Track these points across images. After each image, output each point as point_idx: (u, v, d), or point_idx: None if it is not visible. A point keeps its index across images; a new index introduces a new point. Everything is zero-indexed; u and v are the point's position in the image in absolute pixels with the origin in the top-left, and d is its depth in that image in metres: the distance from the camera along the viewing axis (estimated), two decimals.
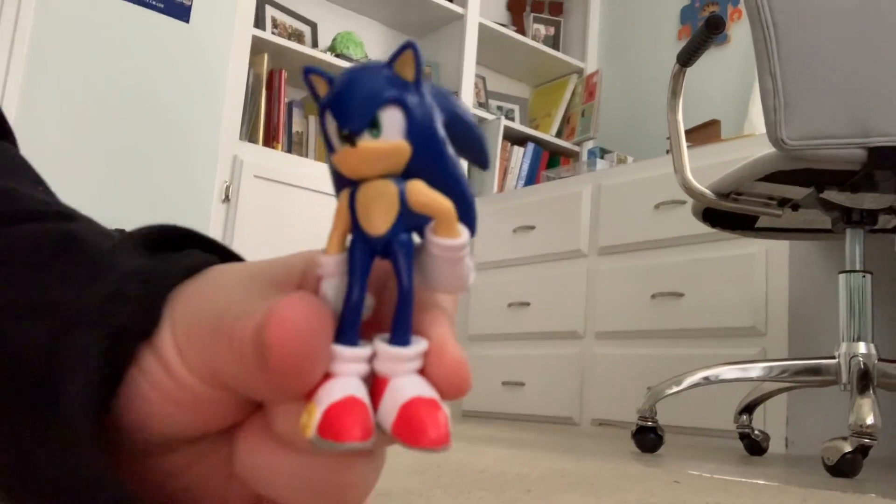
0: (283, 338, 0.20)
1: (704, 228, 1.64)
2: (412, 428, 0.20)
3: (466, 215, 0.22)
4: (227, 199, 2.38)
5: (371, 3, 3.00)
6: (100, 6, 2.21)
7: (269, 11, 2.74)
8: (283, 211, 2.44)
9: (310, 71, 0.22)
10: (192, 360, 0.22)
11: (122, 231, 0.27)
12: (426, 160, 0.21)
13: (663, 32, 3.15)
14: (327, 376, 0.21)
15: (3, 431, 0.22)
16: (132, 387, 0.23)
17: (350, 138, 0.21)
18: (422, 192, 0.21)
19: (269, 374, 0.20)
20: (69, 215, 0.27)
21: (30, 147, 0.39)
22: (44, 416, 0.22)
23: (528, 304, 2.47)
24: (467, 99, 2.97)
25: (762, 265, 1.92)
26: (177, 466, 0.24)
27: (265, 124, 2.56)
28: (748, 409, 1.63)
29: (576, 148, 3.25)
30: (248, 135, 2.52)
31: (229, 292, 0.23)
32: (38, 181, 0.32)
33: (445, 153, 0.22)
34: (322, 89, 0.22)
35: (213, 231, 2.33)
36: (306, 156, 2.64)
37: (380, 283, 0.23)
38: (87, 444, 0.21)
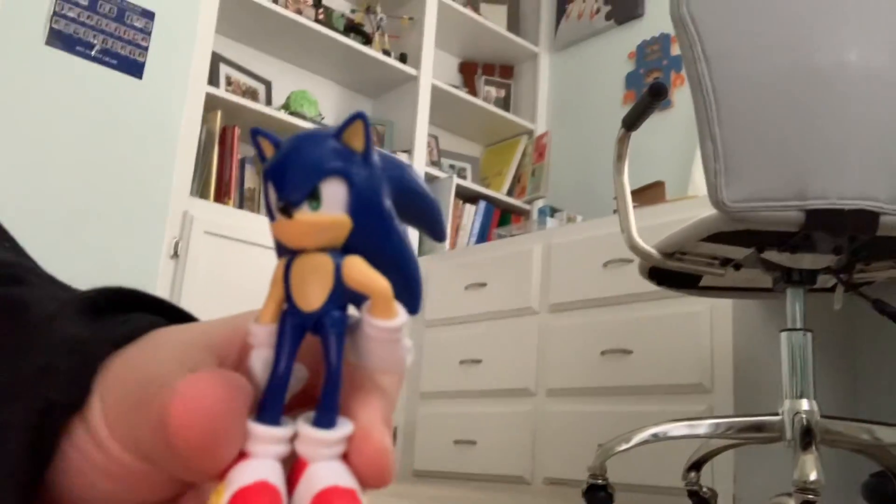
0: (185, 418, 0.19)
1: (652, 287, 1.67)
2: None
3: (409, 292, 0.22)
4: (175, 254, 2.35)
5: (326, 64, 3.05)
6: (52, 62, 2.20)
7: (224, 69, 2.76)
8: (234, 267, 2.41)
9: (257, 132, 0.22)
10: (121, 433, 0.22)
11: (76, 292, 0.27)
12: (369, 234, 0.21)
13: (609, 97, 3.25)
14: (243, 455, 0.20)
15: None
16: (66, 460, 0.22)
17: (287, 210, 0.20)
18: (358, 270, 0.21)
19: (175, 452, 0.20)
20: (19, 278, 0.27)
21: None
22: None
23: (479, 360, 2.47)
24: (420, 157, 3.01)
25: (707, 322, 1.96)
26: None
27: (217, 180, 2.55)
28: (696, 465, 1.65)
29: (527, 206, 3.30)
30: (200, 190, 2.51)
31: (160, 361, 0.22)
32: (2, 237, 0.31)
33: (390, 228, 0.21)
34: (269, 151, 0.22)
35: (161, 287, 2.29)
36: (258, 212, 2.63)
37: (318, 356, 0.23)
38: None
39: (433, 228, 0.24)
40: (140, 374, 0.22)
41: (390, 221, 0.21)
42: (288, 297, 0.21)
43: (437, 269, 2.71)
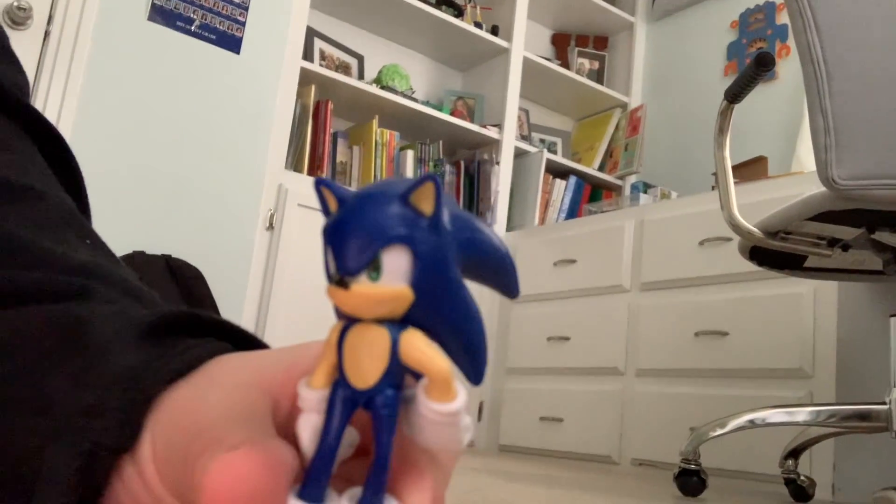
0: (221, 499, 0.18)
1: (750, 266, 1.61)
2: None
3: (473, 362, 0.20)
4: (270, 226, 2.40)
5: (417, 37, 3.04)
6: (154, 37, 2.27)
7: (318, 44, 2.79)
8: None
9: (321, 183, 0.20)
10: (168, 479, 0.22)
11: (139, 310, 0.27)
12: (432, 305, 0.19)
13: (709, 68, 3.13)
14: None
15: None
16: (114, 497, 0.22)
17: (343, 282, 0.19)
18: (416, 349, 0.19)
19: None
20: (87, 291, 0.27)
21: (82, 171, 0.39)
22: None
23: (568, 338, 2.45)
24: (510, 132, 2.98)
25: (810, 305, 1.88)
26: None
27: (310, 154, 2.60)
28: (794, 453, 1.59)
29: (618, 182, 3.24)
30: (294, 164, 2.56)
31: (211, 406, 0.21)
32: (85, 235, 0.32)
33: (456, 297, 0.20)
34: (332, 204, 0.20)
35: (257, 258, 2.36)
36: (350, 185, 2.66)
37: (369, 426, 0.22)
38: None
39: (506, 287, 0.22)
40: (189, 422, 0.21)
41: (457, 290, 0.20)
42: (340, 368, 0.20)
43: (525, 244, 2.69)
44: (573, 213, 3.08)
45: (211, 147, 2.34)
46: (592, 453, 2.29)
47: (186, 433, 0.21)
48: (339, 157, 2.71)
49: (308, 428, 0.20)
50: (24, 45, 2.10)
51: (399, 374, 0.19)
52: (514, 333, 2.63)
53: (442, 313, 0.19)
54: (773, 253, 1.51)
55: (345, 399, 0.20)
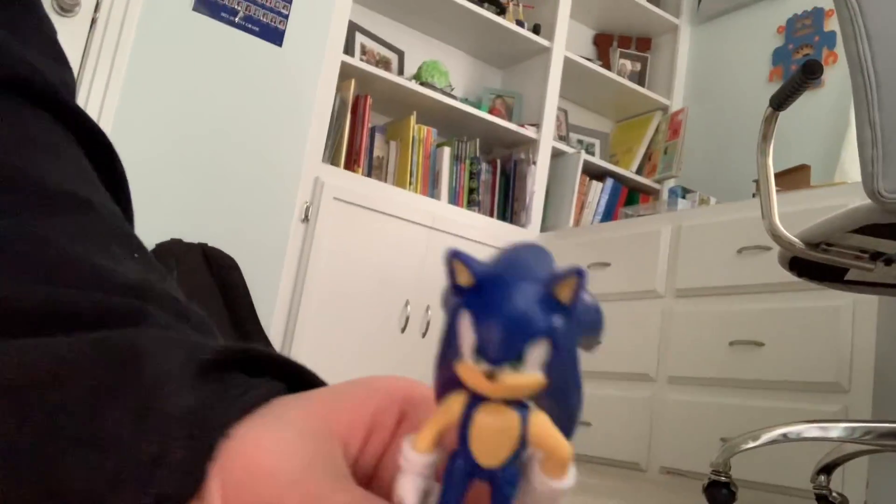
0: None
1: (789, 277, 1.58)
2: None
3: (569, 422, 0.21)
4: (306, 219, 2.42)
5: (458, 34, 3.04)
6: (199, 27, 2.29)
7: (359, 38, 2.80)
8: (359, 233, 2.46)
9: (455, 255, 0.20)
10: None
11: (194, 338, 0.26)
12: (556, 387, 0.20)
13: (754, 73, 3.08)
14: None
15: None
16: None
17: (492, 374, 0.19)
18: (545, 432, 0.20)
19: None
20: (138, 314, 0.26)
21: (123, 160, 0.39)
22: None
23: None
24: (548, 132, 2.96)
25: (849, 319, 1.84)
26: None
27: (347, 148, 2.61)
28: (827, 469, 1.56)
29: (656, 185, 3.20)
30: (331, 157, 2.57)
31: (290, 457, 0.22)
32: (134, 248, 0.31)
33: (575, 376, 0.21)
34: (463, 277, 0.20)
35: (291, 250, 2.37)
36: (385, 181, 2.67)
37: (475, 499, 0.22)
38: None
39: (592, 346, 0.22)
40: (269, 468, 0.21)
41: (577, 372, 0.21)
42: (463, 442, 0.20)
43: (559, 245, 2.67)
44: (609, 215, 3.05)
45: (250, 138, 2.36)
46: (620, 459, 2.27)
47: (268, 483, 0.21)
48: (376, 152, 2.72)
49: (413, 490, 0.21)
50: (71, 32, 2.13)
51: (522, 454, 0.20)
52: None
53: (561, 392, 0.21)
54: (814, 264, 1.48)
55: (465, 471, 0.20)
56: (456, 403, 0.20)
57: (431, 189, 2.73)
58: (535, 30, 3.04)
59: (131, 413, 0.23)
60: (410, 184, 2.67)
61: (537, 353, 0.19)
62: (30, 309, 0.25)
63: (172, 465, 0.22)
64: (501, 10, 2.99)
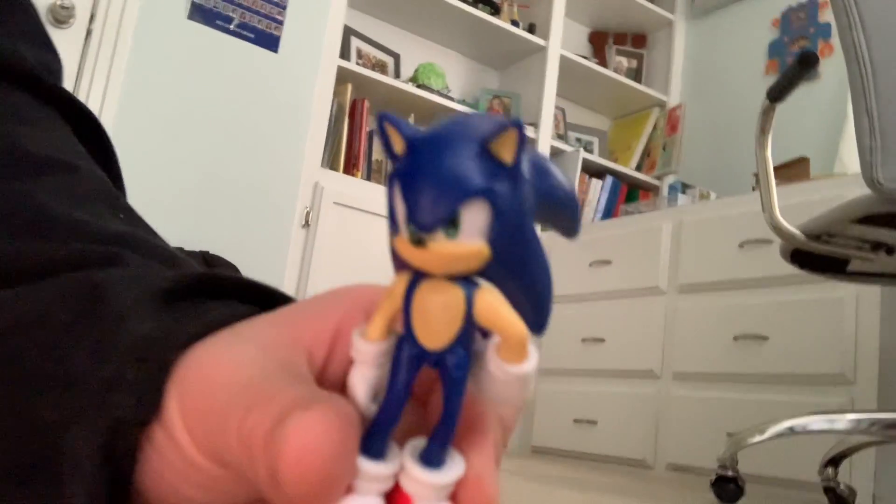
0: (302, 468, 0.18)
1: (791, 269, 1.58)
2: None
3: (538, 313, 0.19)
4: (306, 224, 2.42)
5: (453, 35, 3.04)
6: (194, 35, 2.29)
7: (355, 43, 2.80)
8: (360, 237, 2.46)
9: (385, 118, 0.18)
10: (202, 441, 0.21)
11: (179, 261, 0.26)
12: (506, 260, 0.18)
13: (750, 66, 3.08)
14: (346, 489, 0.19)
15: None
16: (147, 463, 0.22)
17: (420, 240, 0.17)
18: (494, 310, 0.18)
19: (284, 496, 0.18)
20: (113, 258, 0.26)
21: (122, 168, 0.39)
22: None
23: (602, 339, 2.43)
24: (546, 131, 2.96)
25: (852, 310, 1.83)
26: None
27: (346, 152, 2.61)
28: (834, 461, 1.56)
29: (656, 182, 3.20)
30: (330, 162, 2.57)
31: (247, 365, 0.21)
32: (120, 208, 0.31)
33: (531, 250, 0.18)
34: (397, 143, 0.18)
35: (293, 256, 2.37)
36: (385, 184, 2.66)
37: (428, 385, 0.21)
38: None
39: (568, 227, 0.21)
40: (224, 380, 0.21)
41: (531, 243, 0.18)
42: (407, 325, 0.19)
43: (560, 244, 2.67)
44: (609, 213, 3.05)
45: (248, 145, 2.36)
46: (626, 457, 2.27)
47: (223, 391, 0.20)
48: (375, 156, 2.72)
49: (364, 382, 0.20)
50: (66, 44, 2.13)
51: (470, 334, 0.19)
52: (549, 334, 2.59)
53: (515, 267, 0.18)
54: (815, 256, 1.48)
55: (411, 357, 0.19)
56: (400, 284, 0.19)
57: None
58: (531, 29, 3.04)
59: (92, 348, 0.22)
60: None
61: (474, 218, 0.17)
62: (4, 261, 0.25)
63: (126, 387, 0.21)
64: (496, 11, 3.00)
